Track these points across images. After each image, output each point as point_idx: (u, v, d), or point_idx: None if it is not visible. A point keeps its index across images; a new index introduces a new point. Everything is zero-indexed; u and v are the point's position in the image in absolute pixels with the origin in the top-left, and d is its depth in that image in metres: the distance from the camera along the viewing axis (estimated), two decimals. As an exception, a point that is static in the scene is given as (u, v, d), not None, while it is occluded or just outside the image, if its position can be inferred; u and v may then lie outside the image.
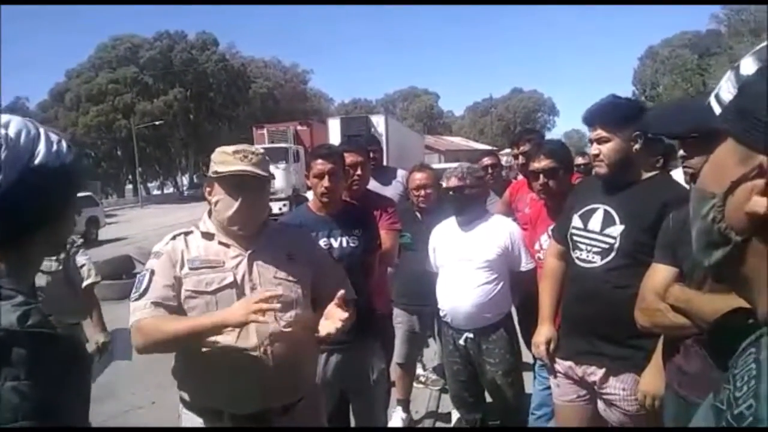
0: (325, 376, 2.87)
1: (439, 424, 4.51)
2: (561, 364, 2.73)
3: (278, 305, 1.93)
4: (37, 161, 0.97)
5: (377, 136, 16.01)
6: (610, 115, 2.49)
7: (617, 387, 2.49)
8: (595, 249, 2.50)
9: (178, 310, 2.07)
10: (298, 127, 25.61)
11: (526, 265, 3.31)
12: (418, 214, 4.06)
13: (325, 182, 2.89)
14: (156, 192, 60.23)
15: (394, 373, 4.12)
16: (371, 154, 3.99)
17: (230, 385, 2.06)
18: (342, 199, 3.13)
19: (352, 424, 3.26)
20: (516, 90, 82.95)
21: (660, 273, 2.05)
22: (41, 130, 1.01)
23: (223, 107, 53.25)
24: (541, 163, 3.24)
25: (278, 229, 2.43)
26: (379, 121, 23.18)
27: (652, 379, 2.28)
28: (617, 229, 2.44)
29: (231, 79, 53.89)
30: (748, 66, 0.71)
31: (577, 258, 2.58)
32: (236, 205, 2.10)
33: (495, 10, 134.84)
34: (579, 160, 4.95)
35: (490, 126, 75.47)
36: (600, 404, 2.61)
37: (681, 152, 2.10)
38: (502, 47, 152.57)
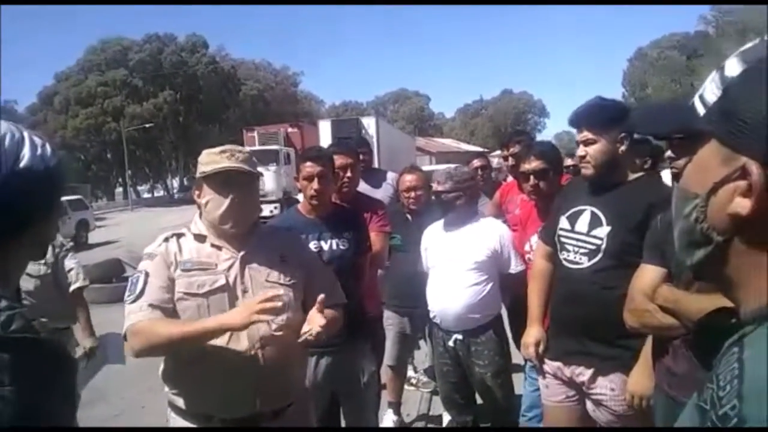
0: (315, 379, 2.87)
1: (430, 427, 4.50)
2: (550, 365, 2.74)
3: (280, 303, 1.91)
4: (21, 164, 0.97)
5: (368, 139, 16.01)
6: (596, 117, 2.50)
7: (606, 387, 2.50)
8: (582, 250, 2.51)
9: (174, 312, 2.06)
10: (289, 130, 25.62)
11: (515, 267, 3.31)
12: (409, 216, 4.07)
13: (315, 185, 2.89)
14: (146, 195, 59.96)
15: (385, 375, 4.12)
16: (361, 156, 3.99)
17: (221, 388, 2.05)
18: (332, 201, 3.12)
19: (343, 426, 3.25)
20: (506, 92, 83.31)
21: (648, 274, 2.06)
22: (25, 134, 1.00)
23: (213, 110, 53.07)
24: (531, 165, 3.26)
25: (269, 232, 2.42)
26: (369, 123, 23.19)
27: (640, 378, 2.29)
28: (604, 230, 2.45)
29: (221, 81, 53.75)
30: (733, 67, 0.72)
31: (565, 259, 2.60)
32: (226, 202, 2.09)
33: (485, 12, 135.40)
34: (569, 162, 4.97)
35: (481, 128, 75.73)
36: (589, 405, 2.62)
37: (668, 153, 2.11)
38: (493, 49, 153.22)
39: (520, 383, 3.59)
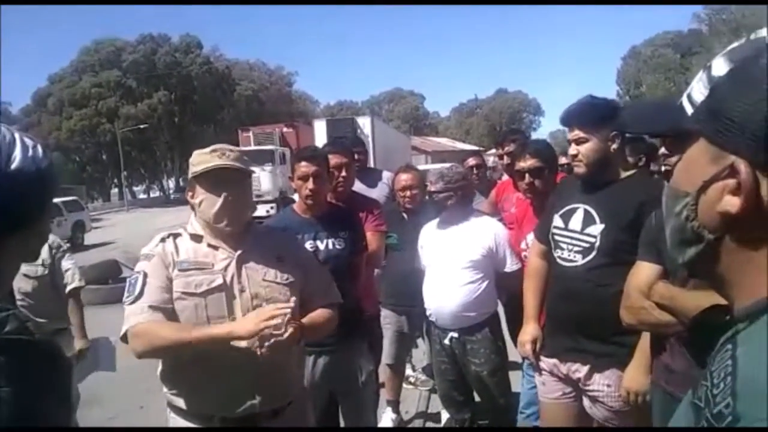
0: (313, 379, 2.87)
1: (429, 425, 4.51)
2: (546, 362, 2.75)
3: (288, 312, 1.93)
4: (13, 166, 0.96)
5: (363, 138, 16.01)
6: (587, 115, 2.51)
7: (601, 384, 2.51)
8: (576, 248, 2.53)
9: (174, 312, 2.06)
10: (284, 129, 25.60)
11: (511, 266, 3.32)
12: (405, 215, 4.07)
13: (310, 184, 2.89)
14: (142, 196, 59.77)
15: (383, 374, 4.12)
16: (356, 156, 3.99)
17: (220, 388, 2.05)
18: (327, 201, 3.12)
19: (342, 426, 3.25)
20: (501, 90, 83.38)
21: (644, 271, 2.07)
22: (16, 135, 1.00)
23: (208, 110, 52.94)
24: (526, 163, 3.27)
25: (265, 232, 2.43)
26: (365, 123, 23.18)
27: (635, 375, 2.31)
28: (597, 228, 2.47)
29: (215, 81, 53.64)
30: (720, 67, 0.72)
31: (559, 257, 2.61)
32: (219, 201, 2.09)
33: (480, 11, 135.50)
34: (564, 160, 4.97)
35: (476, 127, 75.77)
36: (585, 401, 2.63)
37: (662, 150, 2.12)
38: (487, 48, 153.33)
39: (517, 381, 3.60)
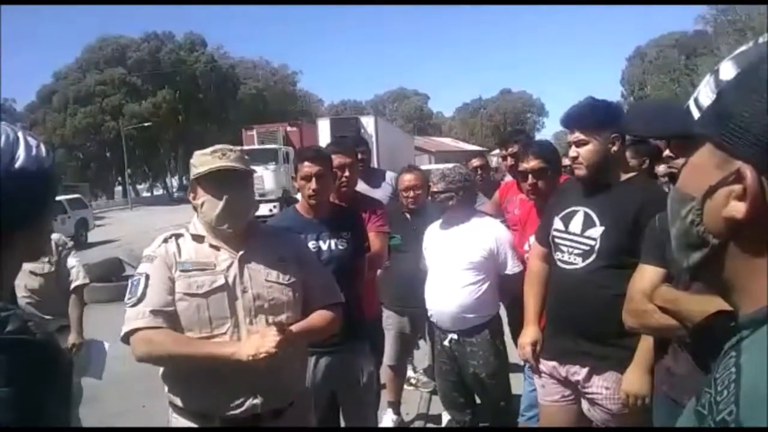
0: (314, 380, 2.86)
1: (429, 426, 4.50)
2: (545, 365, 2.75)
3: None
4: (17, 165, 0.97)
5: (367, 138, 16.02)
6: (588, 118, 2.52)
7: (601, 386, 2.51)
8: (576, 251, 2.53)
9: (176, 316, 2.06)
10: (288, 128, 25.59)
11: (512, 268, 3.31)
12: (408, 216, 4.07)
13: (313, 184, 2.89)
14: (145, 194, 59.94)
15: (385, 375, 4.12)
16: (359, 156, 3.99)
17: (221, 388, 2.06)
18: (330, 201, 3.12)
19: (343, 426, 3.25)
20: (505, 91, 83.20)
21: (647, 274, 2.06)
22: (20, 134, 1.00)
23: (212, 108, 52.98)
24: (529, 164, 3.26)
25: (267, 232, 2.43)
26: (368, 122, 23.20)
27: (635, 378, 2.32)
28: (597, 231, 2.47)
29: (220, 80, 53.69)
30: (727, 71, 0.72)
31: (559, 260, 2.61)
32: (221, 203, 2.09)
33: (484, 12, 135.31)
34: (567, 161, 4.96)
35: (480, 127, 75.64)
36: (584, 404, 2.63)
37: (667, 152, 2.11)
38: (491, 48, 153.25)
39: (519, 383, 3.60)
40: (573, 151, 2.51)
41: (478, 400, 3.61)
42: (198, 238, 2.18)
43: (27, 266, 3.16)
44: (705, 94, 0.74)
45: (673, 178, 2.08)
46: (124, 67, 50.35)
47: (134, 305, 2.05)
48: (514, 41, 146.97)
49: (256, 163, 17.43)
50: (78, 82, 49.38)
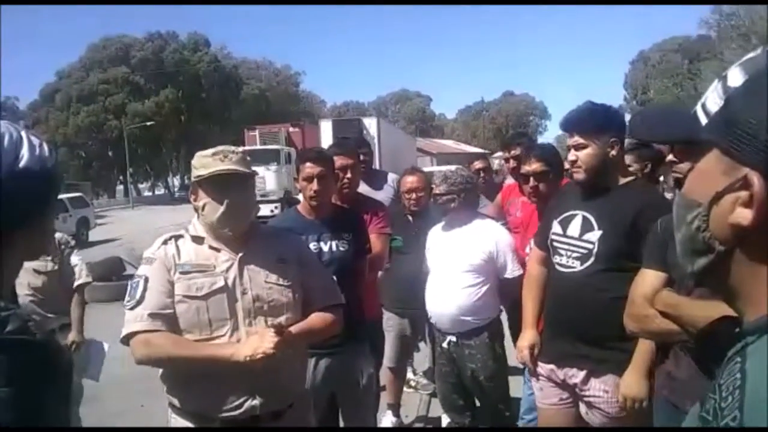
0: (314, 381, 2.86)
1: (429, 426, 4.50)
2: (543, 368, 2.76)
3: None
4: (21, 164, 0.97)
5: (369, 139, 16.02)
6: (587, 121, 2.52)
7: (599, 389, 2.51)
8: (574, 254, 2.54)
9: (175, 318, 2.06)
10: (290, 129, 25.60)
11: (512, 272, 3.30)
12: (410, 218, 4.07)
13: (314, 186, 2.89)
14: (147, 193, 60.07)
15: (385, 377, 4.11)
16: (361, 157, 3.99)
17: (221, 389, 2.06)
18: (332, 202, 3.12)
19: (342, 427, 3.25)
20: (508, 93, 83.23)
21: (649, 278, 2.06)
22: (23, 134, 1.00)
23: (214, 108, 53.06)
24: (531, 167, 3.27)
25: (268, 233, 2.42)
26: (371, 124, 23.20)
27: (633, 381, 2.32)
28: (595, 235, 2.48)
29: (223, 80, 53.76)
30: (735, 77, 0.72)
31: (558, 263, 2.62)
32: (222, 207, 2.08)
33: (487, 13, 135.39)
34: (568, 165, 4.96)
35: (482, 129, 75.61)
36: (582, 407, 2.64)
37: (670, 157, 2.10)
38: (494, 50, 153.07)
39: (519, 386, 3.59)
40: (572, 155, 2.52)
41: (477, 403, 3.60)
42: (198, 240, 2.18)
43: (30, 264, 3.17)
44: (712, 100, 0.74)
45: (678, 183, 2.07)
46: (128, 66, 50.43)
47: (133, 308, 2.05)
48: (517, 44, 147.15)
49: (258, 163, 17.48)
50: (81, 81, 49.47)
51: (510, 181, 4.64)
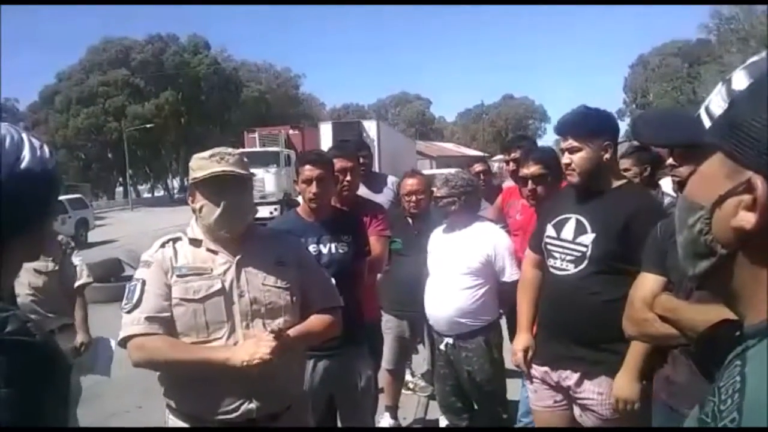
0: (312, 383, 2.86)
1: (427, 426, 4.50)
2: (537, 370, 2.76)
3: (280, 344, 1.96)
4: (22, 166, 0.97)
5: (369, 142, 16.03)
6: (581, 125, 2.54)
7: (593, 392, 2.52)
8: (568, 257, 2.55)
9: (172, 321, 2.06)
10: (290, 131, 25.64)
11: (510, 276, 3.29)
12: (410, 220, 4.07)
13: (313, 188, 2.89)
14: (146, 195, 60.03)
15: (383, 379, 4.11)
16: (361, 160, 3.99)
17: (218, 392, 2.05)
18: (332, 205, 3.12)
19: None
20: (507, 96, 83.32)
21: (648, 282, 2.06)
22: (24, 136, 1.00)
23: (214, 111, 53.05)
24: (529, 170, 3.29)
25: (266, 235, 2.42)
26: (371, 127, 23.20)
27: (625, 383, 2.33)
28: (589, 238, 2.49)
29: (223, 82, 53.78)
30: (740, 80, 0.71)
31: (552, 266, 2.63)
32: (219, 209, 2.08)
33: (486, 17, 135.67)
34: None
35: (482, 132, 75.72)
36: (576, 409, 2.64)
37: (670, 160, 2.11)
38: (494, 54, 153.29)
39: (517, 389, 3.59)
40: (566, 158, 2.54)
41: (476, 406, 3.60)
42: (195, 242, 2.18)
43: (31, 264, 3.17)
44: (716, 103, 0.73)
45: (679, 186, 2.07)
46: (128, 68, 50.46)
47: (130, 311, 2.05)
48: (517, 47, 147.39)
49: (258, 165, 17.49)
50: (81, 83, 49.49)
51: (510, 183, 4.65)
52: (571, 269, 2.53)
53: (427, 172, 7.82)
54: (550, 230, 2.66)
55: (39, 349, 0.91)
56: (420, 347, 5.04)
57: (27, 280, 3.51)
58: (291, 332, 2.11)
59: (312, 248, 2.86)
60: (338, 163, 3.28)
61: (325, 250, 2.93)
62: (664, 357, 2.10)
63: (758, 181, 0.64)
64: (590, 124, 2.53)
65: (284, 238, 2.48)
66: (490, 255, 3.29)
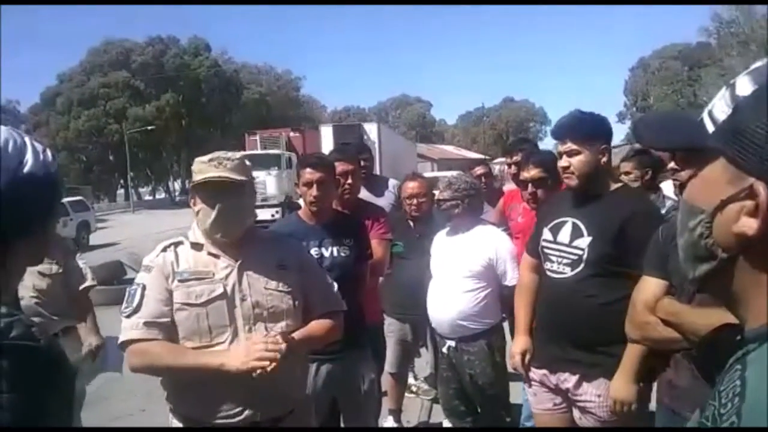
0: (315, 387, 2.86)
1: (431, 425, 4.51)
2: (536, 373, 2.77)
3: (281, 350, 1.95)
4: (25, 170, 0.97)
5: (370, 144, 16.05)
6: (579, 128, 2.56)
7: (591, 394, 2.53)
8: (565, 260, 2.56)
9: (171, 326, 2.06)
10: (291, 134, 25.63)
11: (512, 279, 3.27)
12: (411, 223, 4.07)
13: (314, 191, 2.89)
14: (148, 197, 59.99)
15: (386, 382, 4.11)
16: (362, 163, 3.99)
17: (221, 396, 2.05)
18: (333, 208, 3.12)
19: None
20: (508, 99, 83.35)
21: (650, 286, 2.06)
22: (26, 140, 1.00)
23: (215, 113, 53.06)
24: (530, 173, 3.30)
25: (268, 238, 2.42)
26: (371, 129, 23.23)
27: (621, 385, 2.35)
28: (585, 241, 2.51)
29: (223, 84, 53.78)
30: (744, 86, 0.71)
31: (549, 269, 2.64)
32: (214, 212, 2.08)
33: (487, 19, 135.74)
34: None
35: (483, 135, 75.72)
36: (575, 412, 2.65)
37: (671, 164, 2.11)
38: (495, 56, 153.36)
39: (520, 392, 3.59)
40: (564, 161, 2.55)
41: (479, 410, 3.60)
42: (197, 246, 2.18)
43: (35, 266, 3.17)
44: (720, 107, 0.73)
45: (681, 189, 2.07)
46: (129, 70, 50.46)
47: (129, 316, 2.06)
48: (517, 49, 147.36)
49: (259, 168, 17.48)
50: (82, 85, 49.49)
51: (512, 186, 4.66)
52: (568, 272, 2.54)
53: (428, 174, 7.82)
54: (546, 234, 2.68)
55: (43, 353, 0.91)
56: (423, 350, 5.04)
57: (31, 282, 3.52)
58: (293, 336, 2.11)
59: (314, 251, 2.86)
60: (339, 167, 3.29)
61: (326, 254, 2.93)
62: (667, 361, 2.11)
63: (761, 187, 0.64)
64: (588, 128, 2.55)
65: (286, 242, 2.48)
66: (492, 258, 3.29)
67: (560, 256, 2.58)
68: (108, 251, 16.88)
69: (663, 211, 3.56)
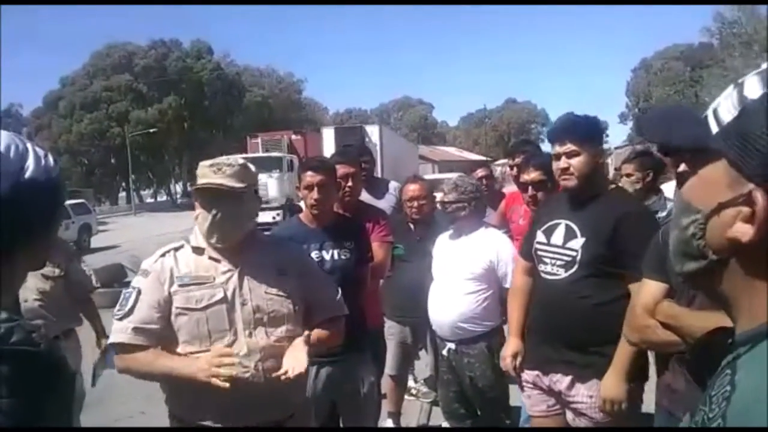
0: (315, 390, 2.86)
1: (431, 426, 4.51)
2: (529, 374, 2.78)
3: (235, 366, 1.95)
4: (27, 175, 0.97)
5: (371, 147, 16.04)
6: (578, 130, 2.57)
7: (584, 395, 2.53)
8: (559, 262, 2.58)
9: (161, 333, 2.07)
10: (293, 137, 25.68)
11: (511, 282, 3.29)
12: (412, 226, 4.07)
13: (315, 194, 2.89)
14: (149, 200, 60.01)
15: (386, 385, 4.11)
16: (363, 165, 4.00)
17: (220, 401, 2.04)
18: (334, 210, 3.13)
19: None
20: (510, 101, 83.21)
21: (650, 289, 2.06)
22: (28, 145, 1.01)
23: (217, 116, 53.04)
24: (530, 175, 3.31)
25: (269, 243, 2.42)
26: (373, 131, 23.23)
27: (611, 384, 2.36)
28: (578, 243, 2.52)
29: (225, 87, 53.78)
30: (753, 87, 0.70)
31: (543, 271, 2.66)
32: (210, 217, 2.09)
33: (489, 21, 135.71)
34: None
35: (484, 137, 75.60)
36: (569, 414, 2.66)
37: (683, 167, 2.08)
38: (496, 58, 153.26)
39: (520, 395, 3.58)
40: (563, 162, 2.55)
41: (479, 412, 3.59)
42: (198, 251, 2.18)
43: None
44: (725, 108, 0.72)
45: (679, 182, 2.05)
46: (131, 73, 50.49)
47: (120, 318, 2.07)
48: (519, 51, 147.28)
49: (261, 170, 17.37)
50: (85, 89, 49.54)
51: (513, 187, 4.66)
52: (562, 274, 2.55)
53: (429, 176, 7.82)
54: (540, 236, 2.69)
55: (43, 358, 0.91)
56: (422, 353, 5.03)
57: (35, 284, 3.55)
58: (296, 342, 2.11)
59: (314, 255, 2.86)
60: (340, 169, 3.29)
61: (327, 257, 2.94)
62: (666, 364, 2.11)
63: (759, 195, 0.64)
64: (585, 129, 2.58)
65: (287, 246, 2.49)
66: (493, 261, 3.29)
67: (554, 258, 2.59)
68: (109, 254, 16.87)
69: (664, 213, 3.57)
